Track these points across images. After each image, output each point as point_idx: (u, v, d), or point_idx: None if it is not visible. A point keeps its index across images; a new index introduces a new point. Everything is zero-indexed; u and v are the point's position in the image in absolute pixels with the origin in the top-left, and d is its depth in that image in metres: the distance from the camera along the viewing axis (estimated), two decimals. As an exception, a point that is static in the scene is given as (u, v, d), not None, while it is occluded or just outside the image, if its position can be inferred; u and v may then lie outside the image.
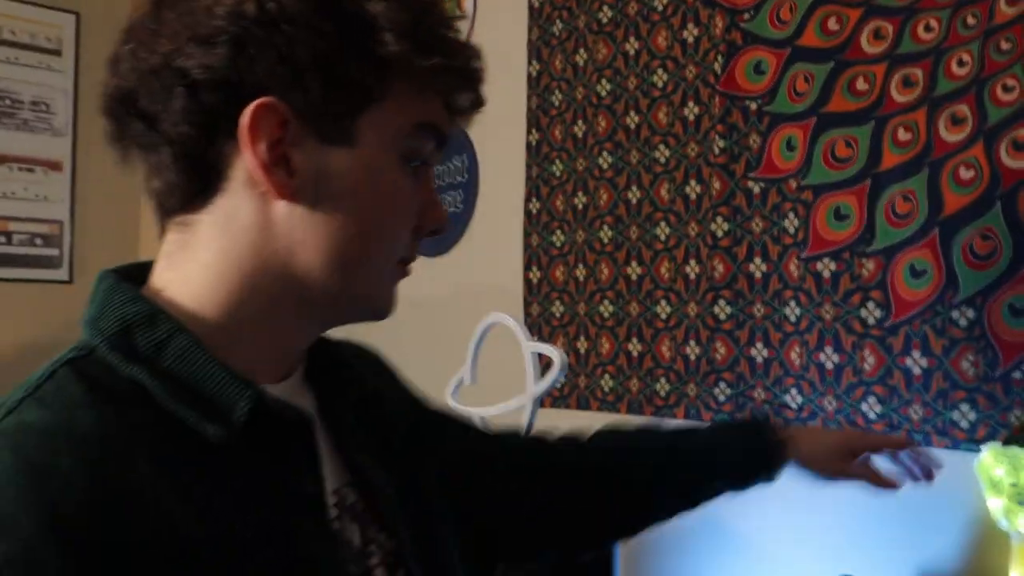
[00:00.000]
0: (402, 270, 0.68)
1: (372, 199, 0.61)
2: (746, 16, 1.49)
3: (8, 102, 2.79)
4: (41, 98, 2.87)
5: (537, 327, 1.75)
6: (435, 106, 0.64)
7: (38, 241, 2.85)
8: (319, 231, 0.60)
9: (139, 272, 0.65)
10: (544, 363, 1.52)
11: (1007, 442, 1.17)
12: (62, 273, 2.91)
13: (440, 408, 0.96)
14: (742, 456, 1.01)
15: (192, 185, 0.59)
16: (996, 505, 1.15)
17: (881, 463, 1.05)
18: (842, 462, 1.02)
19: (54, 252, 2.89)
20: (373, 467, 0.71)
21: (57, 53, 2.91)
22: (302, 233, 0.60)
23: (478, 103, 0.67)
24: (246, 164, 0.58)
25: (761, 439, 1.01)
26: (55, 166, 2.89)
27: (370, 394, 0.76)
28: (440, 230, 0.69)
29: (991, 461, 1.15)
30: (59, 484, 0.49)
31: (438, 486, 0.79)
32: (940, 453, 1.23)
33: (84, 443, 0.52)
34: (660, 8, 1.60)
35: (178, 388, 0.56)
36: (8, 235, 2.80)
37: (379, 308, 0.67)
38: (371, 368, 0.85)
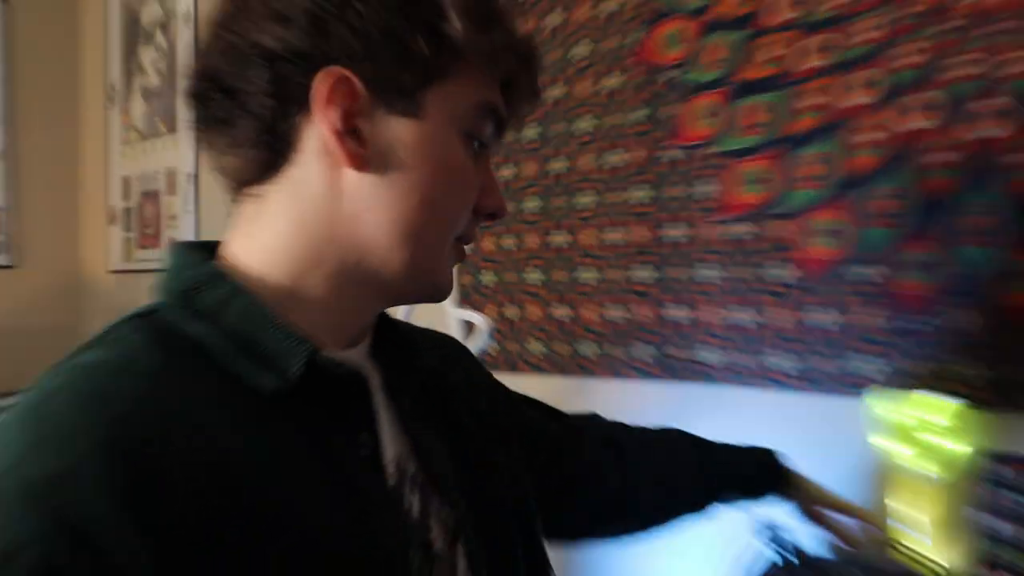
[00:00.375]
0: (460, 250, 0.68)
1: (435, 170, 0.62)
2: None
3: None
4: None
5: (469, 296, 1.71)
6: (495, 89, 0.65)
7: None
8: (385, 199, 0.60)
9: (211, 245, 0.66)
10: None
11: (907, 389, 1.17)
12: (4, 259, 2.83)
13: (522, 395, 0.97)
14: (760, 474, 1.08)
15: (268, 156, 0.60)
16: (898, 449, 1.15)
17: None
18: (819, 511, 1.09)
19: (-1, 237, 2.80)
20: (435, 443, 0.70)
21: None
22: (369, 201, 0.60)
23: (535, 89, 0.69)
24: (318, 134, 0.59)
25: (772, 460, 1.09)
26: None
27: (439, 375, 0.76)
28: (499, 214, 0.70)
29: (891, 406, 1.15)
30: (116, 407, 0.49)
31: (521, 466, 0.79)
32: (847, 403, 1.23)
33: (144, 376, 0.52)
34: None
35: (238, 344, 0.56)
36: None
37: (439, 284, 0.67)
38: (446, 352, 0.84)
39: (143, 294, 0.62)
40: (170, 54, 2.62)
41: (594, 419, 1.05)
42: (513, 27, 0.65)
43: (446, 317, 1.74)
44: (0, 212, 2.81)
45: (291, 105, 0.59)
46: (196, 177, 2.50)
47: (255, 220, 0.63)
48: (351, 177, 0.60)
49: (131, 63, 2.79)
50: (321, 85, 0.57)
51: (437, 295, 0.68)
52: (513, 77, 0.65)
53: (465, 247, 0.69)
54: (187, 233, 2.52)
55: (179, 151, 2.55)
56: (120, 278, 2.84)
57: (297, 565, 0.51)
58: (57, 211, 2.97)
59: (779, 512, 1.12)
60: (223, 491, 0.50)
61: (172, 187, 2.59)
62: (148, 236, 2.70)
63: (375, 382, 0.67)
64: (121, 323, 0.57)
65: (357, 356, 0.67)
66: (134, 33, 2.76)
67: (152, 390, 0.51)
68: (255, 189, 0.62)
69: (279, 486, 0.53)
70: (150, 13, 2.69)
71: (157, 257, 2.65)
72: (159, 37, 2.66)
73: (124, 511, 0.45)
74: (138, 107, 2.79)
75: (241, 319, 0.57)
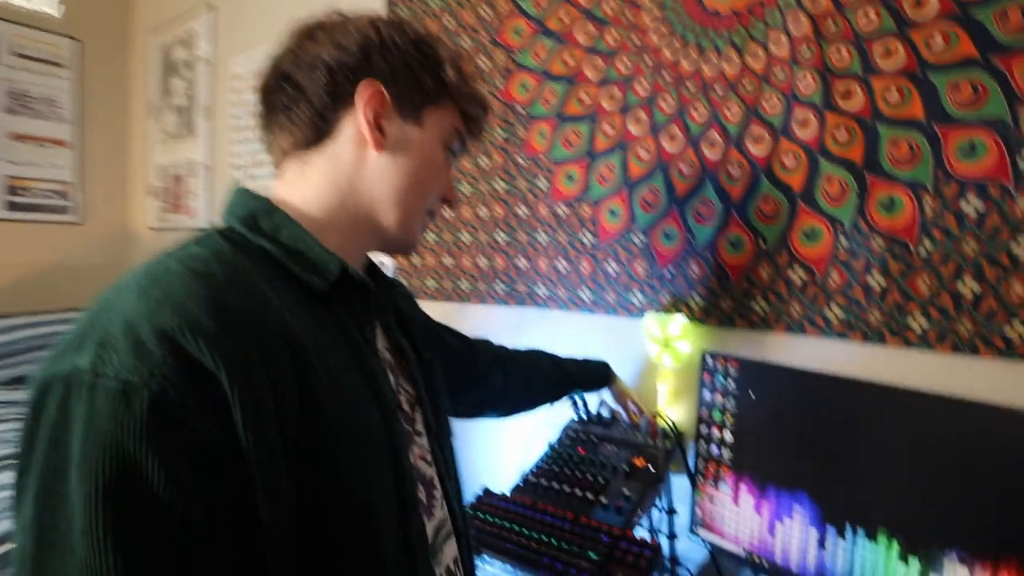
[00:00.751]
0: (427, 221, 0.66)
1: (424, 162, 0.62)
2: (517, 53, 1.42)
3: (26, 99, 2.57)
4: (50, 96, 2.63)
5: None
6: (463, 122, 0.65)
7: (53, 195, 2.67)
8: (390, 174, 0.60)
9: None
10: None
11: (659, 312, 1.19)
12: (75, 218, 2.72)
13: (440, 323, 0.96)
14: (596, 380, 1.16)
15: (314, 134, 0.59)
16: (653, 349, 1.18)
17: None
18: (625, 400, 1.17)
19: (69, 203, 2.70)
20: (404, 344, 0.68)
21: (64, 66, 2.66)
22: (380, 173, 0.59)
23: (484, 127, 0.69)
24: (355, 123, 0.58)
25: (607, 370, 1.17)
26: (62, 143, 2.68)
27: (402, 305, 0.74)
28: (453, 202, 0.69)
29: (650, 322, 1.17)
30: (214, 283, 0.46)
31: (440, 368, 0.78)
32: (624, 320, 1.25)
33: (231, 266, 0.49)
34: (465, 47, 1.51)
35: (291, 254, 0.54)
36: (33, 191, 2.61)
37: (412, 240, 0.65)
38: (400, 289, 0.81)
39: (172, 243, 0.57)
40: (191, 83, 2.47)
41: (486, 342, 1.05)
42: (478, 85, 0.67)
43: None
44: (73, 186, 2.70)
45: (339, 101, 0.58)
46: (208, 167, 2.42)
47: (299, 176, 0.60)
48: (372, 156, 0.59)
49: (165, 87, 2.63)
50: (364, 90, 0.57)
51: (409, 247, 0.65)
52: (475, 116, 0.66)
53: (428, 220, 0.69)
54: (200, 204, 2.45)
55: (197, 148, 2.47)
56: (155, 233, 2.71)
57: (337, 406, 0.49)
58: (112, 186, 2.83)
59: (596, 396, 1.18)
60: (293, 353, 0.47)
61: (192, 172, 2.50)
62: (175, 205, 2.60)
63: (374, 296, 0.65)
64: (208, 234, 0.53)
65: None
66: (168, 67, 2.64)
67: (239, 275, 0.48)
68: (301, 156, 0.60)
69: (325, 356, 0.50)
70: (178, 54, 2.58)
71: (180, 220, 2.56)
72: (183, 71, 2.54)
73: (223, 359, 0.42)
74: (170, 118, 2.61)
75: (293, 238, 0.55)
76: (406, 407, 0.63)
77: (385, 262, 1.66)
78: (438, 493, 0.63)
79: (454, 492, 0.66)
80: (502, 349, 1.04)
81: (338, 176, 0.59)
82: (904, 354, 0.98)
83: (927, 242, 0.95)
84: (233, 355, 0.42)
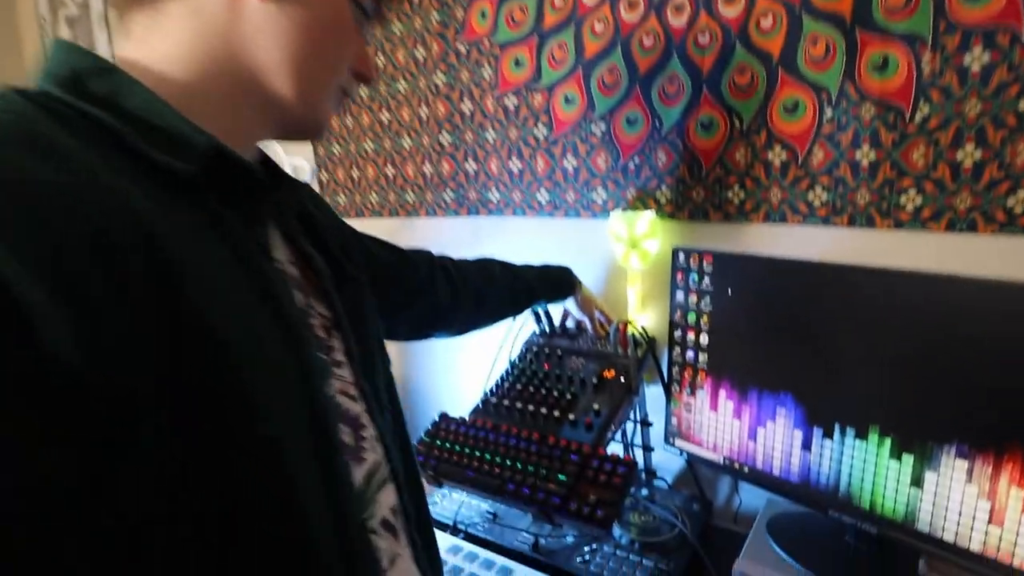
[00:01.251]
0: (340, 99, 0.50)
1: (326, 16, 0.46)
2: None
3: None
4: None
5: (324, 163, 1.48)
6: None
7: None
8: (280, 29, 0.44)
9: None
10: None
11: (625, 209, 1.08)
12: None
13: (365, 234, 0.79)
14: (558, 286, 1.04)
15: None
16: (620, 251, 1.07)
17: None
18: (590, 308, 1.06)
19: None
20: (314, 255, 0.53)
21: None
22: (265, 27, 0.43)
23: None
24: None
25: (569, 277, 1.04)
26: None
27: (311, 210, 0.58)
28: (369, 77, 0.52)
29: (615, 222, 1.06)
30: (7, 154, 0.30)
31: (369, 284, 0.63)
32: (587, 222, 1.13)
33: (31, 130, 0.33)
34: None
35: (140, 128, 0.38)
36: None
37: (319, 120, 0.49)
38: (310, 194, 0.64)
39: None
40: (81, -14, 2.13)
41: (427, 254, 0.90)
42: None
43: (280, 162, 1.52)
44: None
45: None
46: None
47: (151, 30, 0.43)
48: (252, 3, 0.43)
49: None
50: None
51: (316, 130, 0.49)
52: None
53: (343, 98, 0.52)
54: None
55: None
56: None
57: (221, 325, 0.36)
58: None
59: (559, 305, 1.08)
60: (149, 258, 0.33)
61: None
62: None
63: (267, 191, 0.50)
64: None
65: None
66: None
67: (47, 144, 0.32)
68: (152, 3, 0.42)
69: (199, 264, 0.36)
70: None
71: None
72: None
73: (29, 263, 0.28)
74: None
75: (142, 107, 0.39)
76: (320, 332, 0.50)
77: (303, 166, 1.48)
78: (368, 433, 0.50)
79: (390, 431, 0.54)
80: (446, 260, 0.91)
81: (205, 29, 0.42)
82: (895, 236, 0.88)
83: (924, 106, 0.83)
84: (47, 256, 0.29)
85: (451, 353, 1.37)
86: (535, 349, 1.09)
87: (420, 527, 0.56)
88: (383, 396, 0.56)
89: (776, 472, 0.89)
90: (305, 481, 0.40)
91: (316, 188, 1.49)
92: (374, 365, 0.55)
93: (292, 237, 0.52)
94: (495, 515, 1.06)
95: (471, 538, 1.01)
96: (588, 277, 1.12)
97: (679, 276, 0.96)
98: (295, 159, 1.51)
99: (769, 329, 0.87)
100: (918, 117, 0.84)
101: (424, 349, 1.43)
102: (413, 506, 0.55)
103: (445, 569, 0.93)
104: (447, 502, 1.10)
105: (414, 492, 0.57)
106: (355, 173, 1.44)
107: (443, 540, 1.00)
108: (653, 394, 1.08)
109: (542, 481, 0.84)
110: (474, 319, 0.94)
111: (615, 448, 1.07)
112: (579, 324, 1.09)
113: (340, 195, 1.47)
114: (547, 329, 1.13)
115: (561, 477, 0.83)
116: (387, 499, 0.51)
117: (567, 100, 1.11)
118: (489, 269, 0.95)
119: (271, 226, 0.50)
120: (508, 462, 0.88)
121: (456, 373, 1.37)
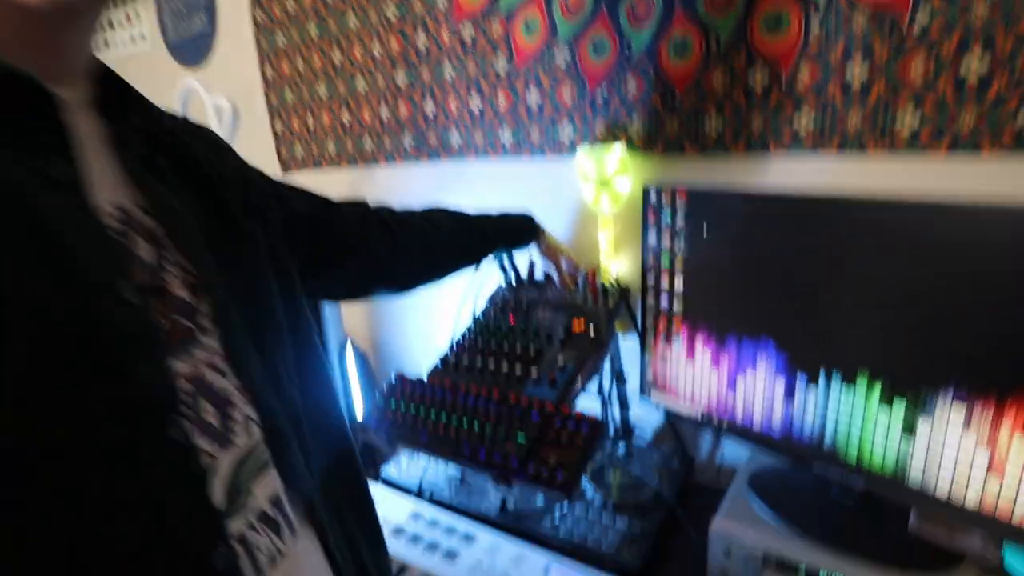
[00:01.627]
0: None
1: None
2: None
3: None
4: None
5: (277, 112, 1.37)
6: None
7: None
8: None
9: None
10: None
11: (594, 145, 0.98)
12: None
13: (282, 182, 0.67)
14: (519, 236, 0.94)
15: None
16: (589, 192, 0.98)
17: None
18: (556, 256, 0.96)
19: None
20: (179, 204, 0.43)
21: None
22: None
23: None
24: None
25: (530, 224, 0.94)
26: None
27: (200, 155, 0.48)
28: None
29: (583, 159, 0.96)
30: None
31: (281, 241, 0.53)
32: (554, 163, 1.04)
33: None
34: None
35: None
36: None
37: None
38: (209, 139, 0.54)
39: None
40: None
41: (361, 204, 0.79)
42: None
43: (202, 105, 1.41)
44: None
45: None
46: None
47: None
48: None
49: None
50: None
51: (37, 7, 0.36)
52: None
53: None
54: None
55: None
56: None
57: None
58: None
59: (523, 254, 0.99)
60: None
61: None
62: None
63: (77, 114, 0.39)
64: None
65: (73, 97, 0.40)
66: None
67: None
68: None
69: None
70: None
71: None
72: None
73: None
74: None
75: None
76: (179, 291, 0.40)
77: (224, 106, 1.37)
78: (240, 413, 0.41)
79: (283, 410, 0.45)
80: (384, 211, 0.80)
81: None
82: (890, 162, 0.79)
83: (923, 12, 0.73)
84: None
85: (419, 311, 1.29)
86: (500, 302, 1.01)
87: (339, 512, 0.49)
88: (283, 369, 0.47)
89: (757, 425, 0.82)
90: (135, 470, 0.32)
91: (267, 135, 1.39)
92: (266, 333, 0.46)
93: (144, 178, 0.42)
94: (463, 477, 0.99)
95: (438, 503, 0.95)
96: (557, 223, 1.03)
97: (651, 216, 0.87)
98: (217, 98, 1.40)
99: (748, 270, 0.79)
100: (917, 25, 0.73)
101: (392, 308, 1.35)
102: (329, 490, 0.48)
103: (403, 538, 0.87)
104: (413, 466, 1.04)
105: (338, 477, 0.50)
106: (310, 121, 1.33)
107: (405, 506, 0.93)
108: (630, 347, 1.01)
109: (500, 443, 0.77)
110: (420, 274, 0.85)
111: (592, 406, 1.00)
112: (548, 274, 1.00)
113: (297, 145, 1.36)
114: (514, 281, 1.04)
115: (520, 438, 0.76)
116: (266, 489, 0.43)
117: (527, 27, 1.00)
118: (436, 219, 0.85)
119: (106, 162, 0.40)
120: (465, 423, 0.81)
121: (425, 332, 1.30)
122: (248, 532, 0.40)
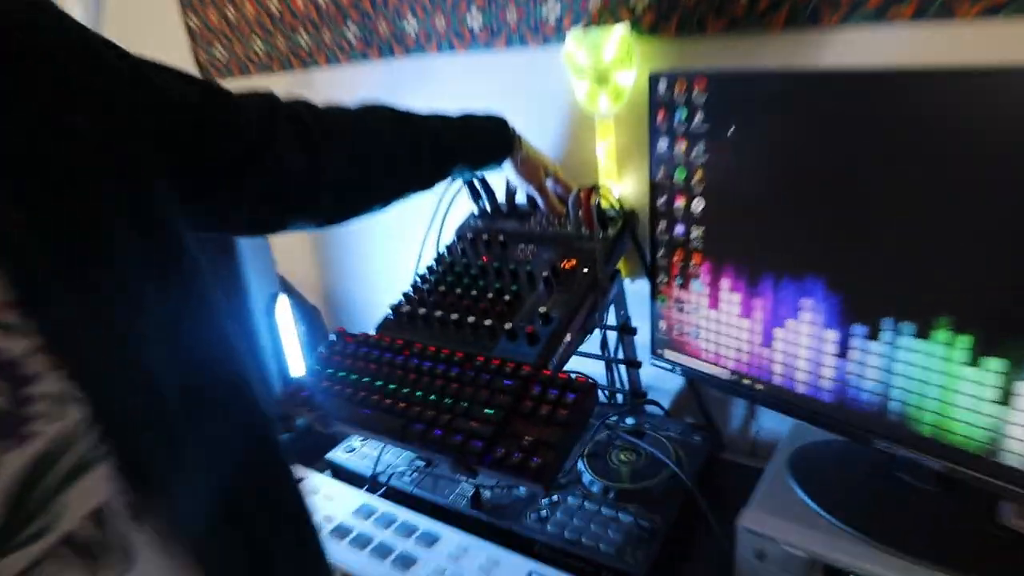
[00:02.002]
0: None
1: None
2: None
3: None
4: None
5: (190, 2, 1.24)
6: None
7: None
8: None
9: None
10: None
11: (587, 26, 0.86)
12: None
13: (152, 61, 0.51)
14: (487, 148, 0.83)
15: None
16: (582, 89, 0.87)
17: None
18: (538, 175, 0.86)
19: None
20: None
21: None
22: None
23: None
24: None
25: (503, 131, 0.83)
26: None
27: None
28: None
29: (574, 47, 0.85)
30: None
31: (135, 135, 0.43)
32: (536, 53, 0.92)
33: None
34: None
35: None
36: None
37: None
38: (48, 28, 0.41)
39: None
40: None
41: (265, 95, 0.64)
42: None
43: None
44: None
45: None
46: None
47: None
48: None
49: None
50: None
51: None
52: None
53: None
54: None
55: None
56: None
57: None
58: None
59: (495, 171, 0.88)
60: None
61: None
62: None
63: None
64: None
65: None
66: None
67: None
68: None
69: None
70: None
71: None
72: None
73: None
74: None
75: None
76: None
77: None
78: (41, 389, 0.32)
79: (132, 384, 0.36)
80: (303, 106, 0.66)
81: None
82: (988, 29, 0.66)
83: None
84: None
85: (386, 252, 1.20)
86: (470, 236, 0.91)
87: (249, 526, 0.43)
88: (138, 326, 0.38)
89: (801, 389, 0.73)
90: None
91: (180, 32, 1.26)
92: (99, 272, 0.37)
93: None
94: (428, 461, 0.91)
95: (396, 493, 0.88)
96: (541, 132, 0.92)
97: (661, 115, 0.75)
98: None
99: (789, 185, 0.68)
100: None
101: (350, 248, 1.25)
102: (233, 497, 0.40)
103: (346, 539, 0.79)
104: (367, 447, 0.96)
105: (249, 475, 0.43)
106: (231, 13, 1.20)
107: (353, 499, 0.86)
108: (638, 291, 0.91)
109: (462, 418, 0.68)
110: (351, 200, 0.72)
111: (590, 365, 0.91)
112: (531, 199, 0.90)
113: (216, 46, 1.24)
114: (488, 208, 0.94)
115: (488, 411, 0.67)
116: (90, 496, 0.34)
117: None
118: (373, 123, 0.72)
119: None
120: (418, 393, 0.72)
121: (393, 279, 1.20)
122: (49, 562, 0.32)
